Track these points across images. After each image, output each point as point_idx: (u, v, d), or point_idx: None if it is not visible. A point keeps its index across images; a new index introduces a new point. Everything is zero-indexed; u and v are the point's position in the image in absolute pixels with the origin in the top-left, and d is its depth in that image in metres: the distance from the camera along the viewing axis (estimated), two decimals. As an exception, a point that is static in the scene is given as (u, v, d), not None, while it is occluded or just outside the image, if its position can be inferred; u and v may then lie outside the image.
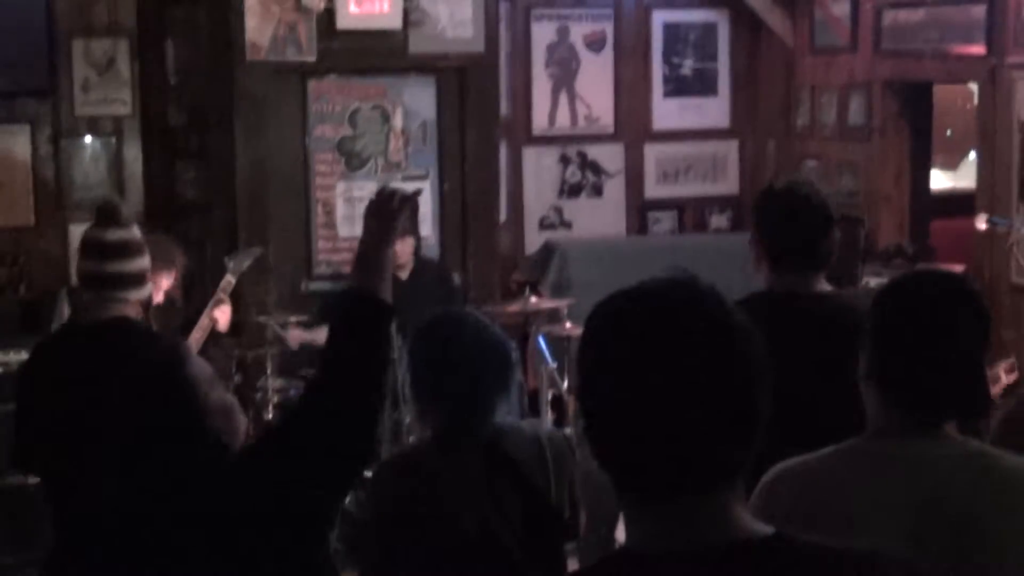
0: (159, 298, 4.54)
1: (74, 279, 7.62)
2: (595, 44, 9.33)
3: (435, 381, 3.13)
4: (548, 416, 7.04)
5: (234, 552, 2.47)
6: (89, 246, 3.70)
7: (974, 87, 8.62)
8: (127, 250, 3.64)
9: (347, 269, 5.29)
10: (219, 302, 5.42)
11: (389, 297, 2.66)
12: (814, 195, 3.70)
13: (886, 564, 1.71)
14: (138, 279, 3.65)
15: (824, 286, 3.66)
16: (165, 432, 2.52)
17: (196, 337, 5.18)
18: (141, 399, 2.55)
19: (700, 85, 9.62)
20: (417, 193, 2.81)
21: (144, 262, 3.68)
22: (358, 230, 2.83)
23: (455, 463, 3.07)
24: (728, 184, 9.74)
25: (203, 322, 5.29)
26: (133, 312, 3.62)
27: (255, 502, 2.50)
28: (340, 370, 2.59)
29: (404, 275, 7.03)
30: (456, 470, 3.06)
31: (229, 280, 5.60)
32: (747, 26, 9.57)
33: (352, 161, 8.05)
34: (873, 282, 7.35)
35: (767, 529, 1.66)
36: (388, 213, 2.70)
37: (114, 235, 3.64)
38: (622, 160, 9.46)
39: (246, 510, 2.49)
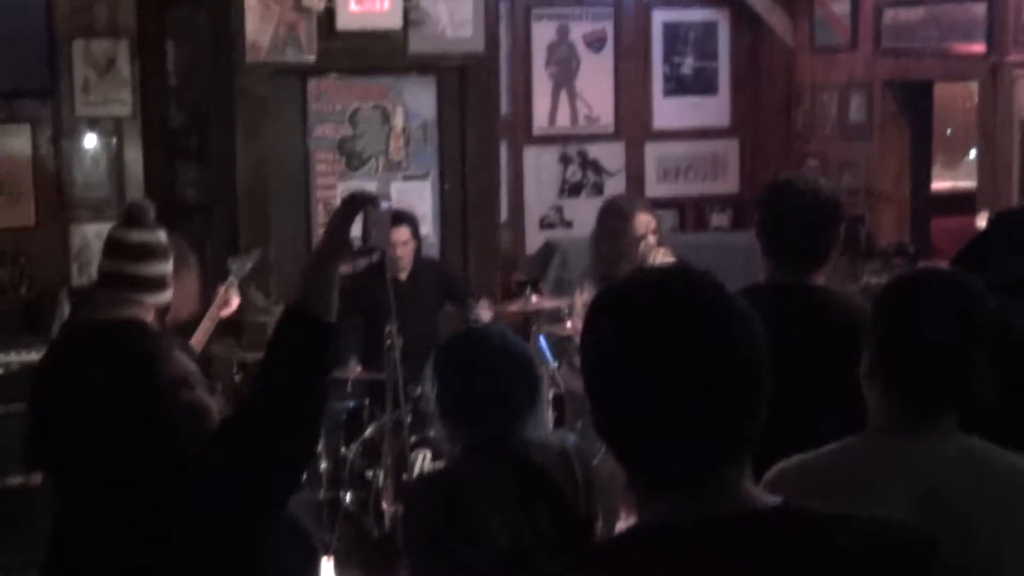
0: (169, 297, 4.48)
1: (75, 279, 7.67)
2: (595, 43, 9.32)
3: (464, 398, 3.10)
4: (549, 416, 7.04)
5: (189, 549, 2.45)
6: (110, 245, 3.62)
7: (974, 86, 8.62)
8: (147, 253, 3.54)
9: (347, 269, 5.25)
10: (229, 285, 5.42)
11: (333, 315, 2.50)
12: (816, 190, 3.63)
13: (893, 527, 1.74)
14: (156, 283, 3.52)
15: (821, 282, 3.65)
16: (123, 430, 2.51)
17: (206, 327, 5.17)
18: (106, 398, 2.55)
19: (700, 84, 9.62)
20: (374, 200, 2.66)
21: (165, 267, 3.55)
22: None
23: (487, 478, 3.05)
24: (728, 183, 9.74)
25: (212, 313, 5.29)
26: (147, 315, 3.54)
27: (199, 505, 2.47)
28: (271, 395, 2.48)
29: (404, 276, 7.03)
30: (488, 485, 3.04)
31: (232, 282, 5.62)
32: (747, 25, 9.57)
33: (353, 161, 8.04)
34: (873, 281, 7.35)
35: (775, 499, 1.71)
36: (343, 216, 2.58)
37: (136, 236, 3.56)
38: (622, 159, 9.46)
39: (193, 510, 2.47)
